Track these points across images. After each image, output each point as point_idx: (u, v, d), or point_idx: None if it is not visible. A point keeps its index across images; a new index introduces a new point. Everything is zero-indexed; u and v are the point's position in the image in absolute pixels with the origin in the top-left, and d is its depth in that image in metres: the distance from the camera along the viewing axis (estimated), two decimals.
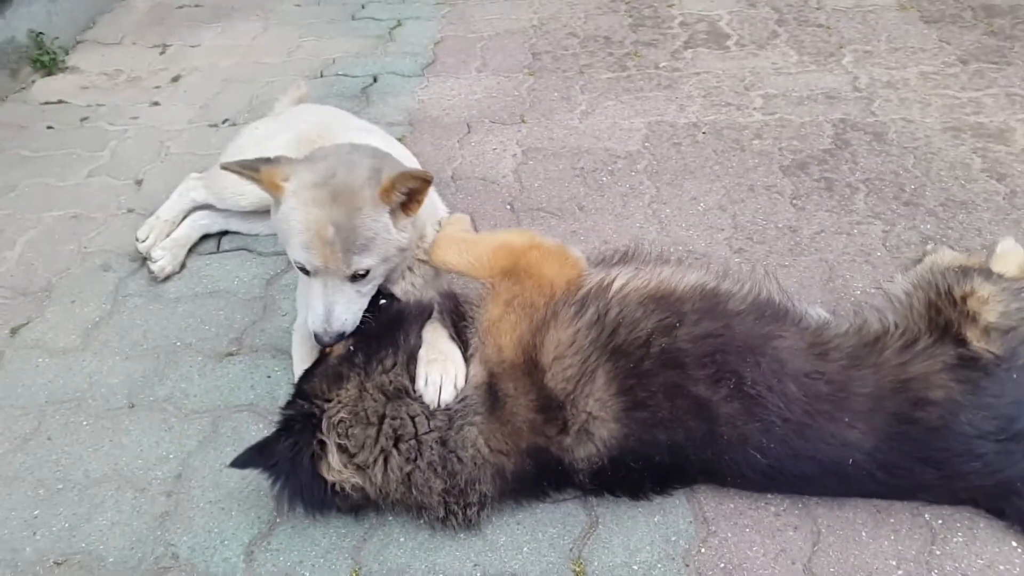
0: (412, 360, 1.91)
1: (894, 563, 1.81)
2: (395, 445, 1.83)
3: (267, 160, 1.97)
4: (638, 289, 1.92)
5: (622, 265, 2.05)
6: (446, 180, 3.19)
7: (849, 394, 1.77)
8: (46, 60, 4.26)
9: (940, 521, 1.87)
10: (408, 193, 1.94)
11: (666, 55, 4.02)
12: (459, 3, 4.78)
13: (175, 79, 4.18)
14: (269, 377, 2.39)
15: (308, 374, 1.98)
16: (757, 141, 3.30)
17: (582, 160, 3.27)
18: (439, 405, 1.84)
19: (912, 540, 1.84)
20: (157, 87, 4.11)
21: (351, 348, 1.93)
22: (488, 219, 2.97)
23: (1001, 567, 1.78)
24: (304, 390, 1.92)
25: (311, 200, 1.87)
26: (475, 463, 1.82)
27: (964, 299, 1.88)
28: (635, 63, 3.97)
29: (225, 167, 2.01)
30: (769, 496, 1.95)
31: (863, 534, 1.87)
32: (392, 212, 1.94)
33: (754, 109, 3.52)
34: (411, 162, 2.53)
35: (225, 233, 2.99)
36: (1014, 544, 1.82)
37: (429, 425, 1.84)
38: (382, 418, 1.84)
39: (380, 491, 1.85)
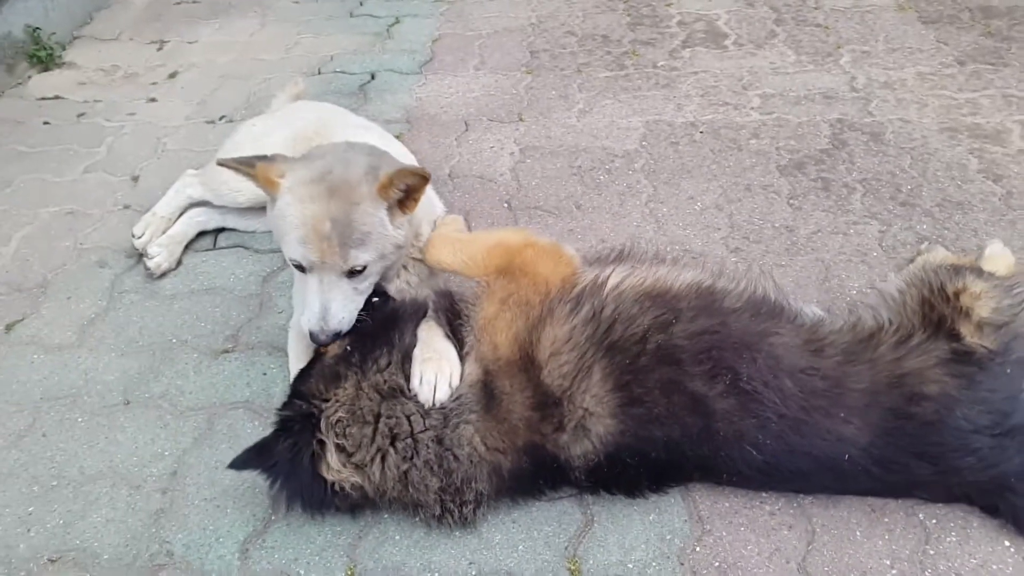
0: (407, 359, 1.90)
1: (888, 562, 1.81)
2: (392, 444, 1.83)
3: (263, 157, 1.97)
4: (634, 286, 1.93)
5: (617, 263, 2.05)
6: (443, 178, 3.19)
7: (844, 390, 1.78)
8: (43, 55, 4.25)
9: (934, 520, 1.88)
10: (406, 190, 1.93)
11: (664, 54, 4.02)
12: (457, 1, 4.78)
13: (172, 75, 4.17)
14: (265, 375, 2.39)
15: (303, 374, 1.97)
16: (754, 141, 3.31)
17: (580, 159, 3.27)
18: (434, 404, 1.83)
19: (906, 539, 1.85)
20: (154, 83, 4.10)
21: (348, 348, 1.93)
22: (485, 217, 2.97)
23: (994, 566, 1.79)
24: (301, 390, 1.91)
25: (307, 195, 1.87)
26: (471, 461, 1.82)
27: (957, 295, 1.89)
28: (633, 62, 3.97)
29: (221, 163, 2.00)
30: (764, 495, 1.96)
31: (857, 533, 1.87)
32: (389, 209, 1.94)
33: (751, 109, 3.53)
34: (409, 160, 2.53)
35: (222, 230, 2.99)
36: (1007, 544, 1.83)
37: (424, 424, 1.83)
38: (378, 417, 1.84)
39: (378, 489, 1.85)
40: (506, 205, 3.04)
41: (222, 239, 2.97)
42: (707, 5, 4.49)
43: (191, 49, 4.44)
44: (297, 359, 2.20)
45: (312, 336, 1.92)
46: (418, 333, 1.96)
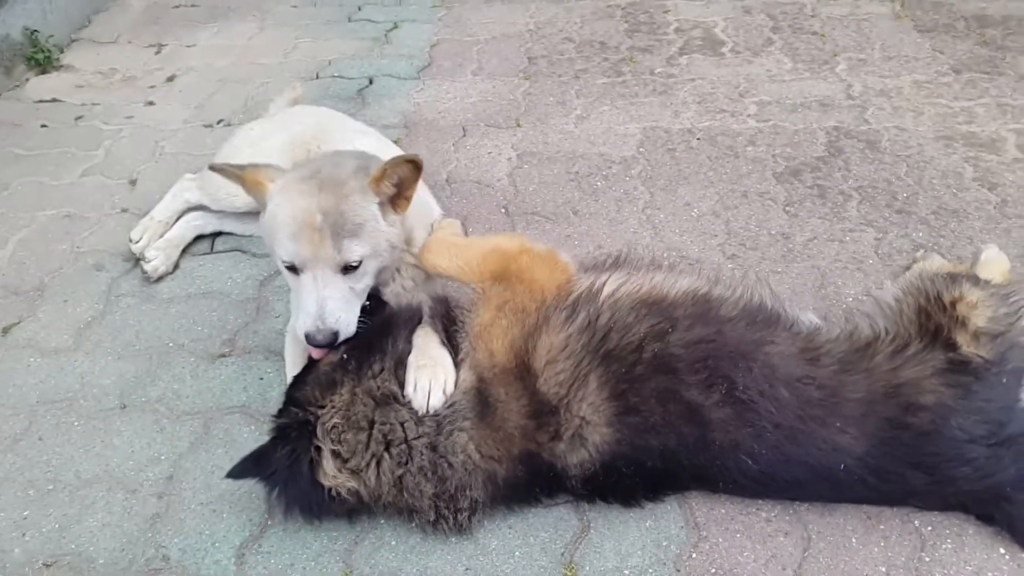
0: (401, 365, 1.90)
1: (884, 569, 1.81)
2: (386, 449, 1.83)
3: (255, 165, 1.97)
4: (630, 294, 1.93)
5: (613, 270, 2.05)
6: (441, 183, 3.19)
7: (840, 399, 1.78)
8: (40, 58, 4.25)
9: (929, 528, 1.89)
10: (398, 185, 1.92)
11: (661, 61, 4.04)
12: (455, 6, 4.79)
13: (170, 79, 4.17)
14: (261, 379, 2.39)
15: (298, 380, 1.96)
16: (751, 148, 3.32)
17: (577, 165, 3.28)
18: (428, 411, 1.83)
19: (902, 547, 1.85)
20: (152, 87, 4.10)
21: (344, 355, 1.92)
22: (482, 223, 2.98)
23: (989, 574, 1.79)
24: (296, 397, 1.91)
25: (297, 192, 1.86)
26: (465, 469, 1.82)
27: (953, 304, 1.89)
28: (630, 69, 3.99)
29: (213, 167, 2.01)
30: (760, 502, 1.96)
31: (853, 540, 1.88)
32: (381, 205, 1.93)
33: (748, 116, 3.54)
34: None
35: (219, 234, 2.98)
36: (1002, 551, 1.83)
37: (418, 431, 1.83)
38: (372, 423, 1.84)
39: (373, 494, 1.85)
40: (503, 210, 3.04)
41: (219, 243, 2.97)
42: (704, 12, 4.51)
43: (189, 53, 4.44)
44: (293, 364, 2.20)
45: (309, 338, 1.86)
46: (413, 339, 1.96)
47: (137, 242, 2.84)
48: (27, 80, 4.18)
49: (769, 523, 1.92)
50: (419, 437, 1.83)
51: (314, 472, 1.82)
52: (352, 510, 1.91)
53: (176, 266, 2.84)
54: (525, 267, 1.99)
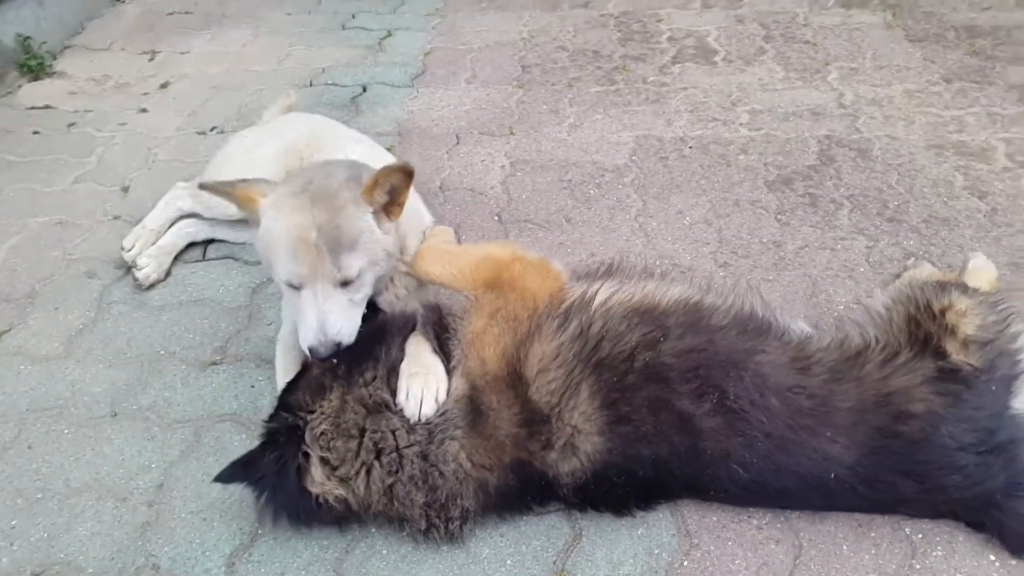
0: (393, 373, 1.90)
1: None
2: (377, 458, 1.82)
3: (244, 181, 1.97)
4: (622, 303, 1.93)
5: (605, 278, 2.05)
6: (434, 191, 3.20)
7: (831, 408, 1.79)
8: (33, 65, 4.24)
9: (920, 535, 1.89)
10: (391, 192, 1.92)
11: (654, 70, 4.06)
12: (449, 15, 4.81)
13: (164, 86, 4.17)
14: (253, 387, 2.38)
15: (291, 386, 1.97)
16: (743, 156, 3.33)
17: (570, 173, 3.29)
18: (420, 419, 1.82)
19: (892, 554, 1.86)
20: (145, 93, 4.10)
21: (334, 361, 1.92)
22: (476, 230, 2.98)
23: None
24: (288, 402, 1.91)
25: (290, 208, 1.86)
26: (457, 477, 1.81)
27: (943, 312, 1.90)
28: (623, 77, 4.00)
29: (202, 187, 2.01)
30: (752, 510, 1.96)
31: (844, 548, 1.88)
32: (375, 214, 1.93)
33: (740, 124, 3.56)
34: None
35: (211, 241, 2.98)
36: (992, 558, 1.84)
37: (409, 439, 1.83)
38: (363, 431, 1.83)
39: (363, 503, 1.84)
40: (496, 218, 3.05)
41: (211, 250, 2.96)
42: (697, 21, 4.53)
43: (183, 60, 4.44)
44: (285, 372, 2.19)
45: (312, 352, 1.86)
46: (406, 347, 1.95)
47: (129, 250, 2.83)
48: (20, 87, 4.18)
49: (760, 531, 1.93)
50: (410, 446, 1.82)
51: (302, 479, 1.81)
52: (341, 518, 1.91)
53: (168, 273, 2.84)
54: (518, 275, 1.99)
